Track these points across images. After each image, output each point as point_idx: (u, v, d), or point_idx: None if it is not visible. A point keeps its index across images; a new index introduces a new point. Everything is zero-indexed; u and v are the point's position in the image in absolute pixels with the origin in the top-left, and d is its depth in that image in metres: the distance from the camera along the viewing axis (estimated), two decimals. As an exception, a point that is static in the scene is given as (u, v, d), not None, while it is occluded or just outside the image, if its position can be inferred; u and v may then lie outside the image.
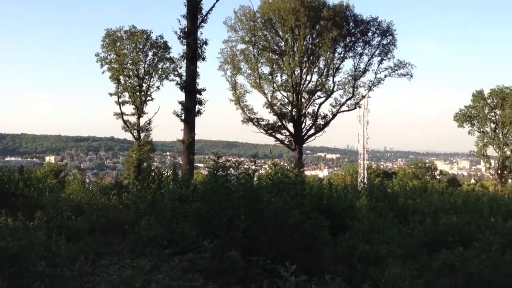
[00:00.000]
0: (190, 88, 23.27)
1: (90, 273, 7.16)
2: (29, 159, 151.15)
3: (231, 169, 8.37)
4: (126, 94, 45.46)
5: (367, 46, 43.46)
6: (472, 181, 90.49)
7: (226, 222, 7.40)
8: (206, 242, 7.00)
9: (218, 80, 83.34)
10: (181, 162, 25.31)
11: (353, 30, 43.25)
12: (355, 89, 43.86)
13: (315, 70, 43.63)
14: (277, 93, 43.97)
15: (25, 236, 7.40)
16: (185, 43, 23.18)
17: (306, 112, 43.63)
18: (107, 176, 58.15)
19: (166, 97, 48.84)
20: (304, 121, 43.56)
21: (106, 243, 9.04)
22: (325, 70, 43.62)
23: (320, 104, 44.01)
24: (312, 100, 43.89)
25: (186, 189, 11.15)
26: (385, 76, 43.51)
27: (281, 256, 6.50)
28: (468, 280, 6.91)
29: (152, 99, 46.08)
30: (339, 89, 44.08)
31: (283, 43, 43.15)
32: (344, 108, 44.35)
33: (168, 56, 45.91)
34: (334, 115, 44.04)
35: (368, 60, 43.59)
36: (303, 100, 43.33)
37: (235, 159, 9.45)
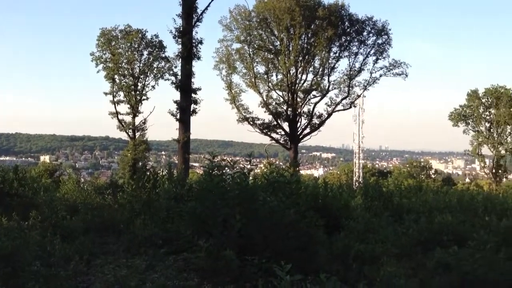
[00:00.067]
0: (185, 87, 23.23)
1: (85, 272, 7.14)
2: (23, 158, 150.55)
3: (226, 168, 8.37)
4: (121, 93, 45.41)
5: (362, 45, 43.55)
6: (467, 180, 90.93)
7: (221, 222, 7.40)
8: (201, 241, 7.00)
9: (213, 80, 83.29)
10: (176, 162, 25.28)
11: (348, 30, 43.28)
12: (350, 88, 43.94)
13: (310, 69, 43.69)
14: (272, 92, 44.01)
15: (20, 235, 7.37)
16: (180, 42, 23.14)
17: (302, 112, 43.66)
18: (102, 175, 58.07)
19: (161, 97, 48.86)
20: (300, 120, 43.61)
21: (101, 243, 9.02)
22: (320, 70, 43.67)
23: (316, 104, 44.09)
24: (307, 100, 43.95)
25: (181, 189, 11.15)
26: (380, 76, 43.63)
27: (276, 255, 6.50)
28: (463, 279, 6.93)
29: (147, 98, 46.07)
30: (335, 89, 44.15)
31: (278, 43, 43.16)
32: (340, 107, 44.44)
33: (163, 55, 45.88)
34: (329, 115, 44.10)
35: (363, 60, 43.70)
36: (298, 99, 43.34)
37: (230, 159, 9.46)
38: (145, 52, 46.26)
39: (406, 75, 43.37)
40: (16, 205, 10.64)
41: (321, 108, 44.97)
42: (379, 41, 43.28)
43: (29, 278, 6.13)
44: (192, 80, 23.71)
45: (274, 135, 44.07)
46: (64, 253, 7.49)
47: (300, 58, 42.68)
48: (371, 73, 43.65)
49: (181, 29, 23.03)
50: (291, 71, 42.69)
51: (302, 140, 44.86)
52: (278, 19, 41.21)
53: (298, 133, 43.52)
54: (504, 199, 16.91)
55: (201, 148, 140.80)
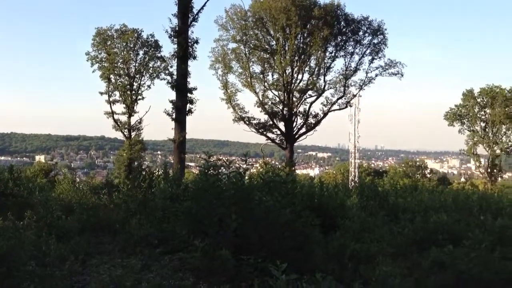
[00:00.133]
0: (181, 87, 23.19)
1: (80, 272, 7.13)
2: (19, 158, 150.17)
3: (222, 168, 8.36)
4: (117, 93, 45.38)
5: (358, 45, 43.69)
6: (462, 179, 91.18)
7: (217, 221, 7.39)
8: (197, 241, 7.00)
9: (209, 79, 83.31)
10: (172, 161, 25.21)
11: (344, 29, 43.36)
12: (346, 88, 44.07)
13: (306, 69, 43.77)
14: (268, 92, 44.07)
15: (15, 235, 7.35)
16: (176, 42, 23.08)
17: (297, 111, 43.71)
18: (97, 175, 57.87)
19: (157, 96, 48.79)
20: (295, 120, 43.63)
21: (97, 243, 9.01)
22: (316, 69, 43.76)
23: (311, 103, 44.17)
24: (303, 99, 44.01)
25: (177, 188, 11.14)
26: (376, 75, 43.80)
27: (272, 254, 6.50)
28: (458, 278, 6.95)
29: (143, 98, 46.07)
30: (330, 88, 44.28)
31: (274, 42, 43.20)
32: (335, 107, 44.57)
33: (159, 55, 45.92)
34: (325, 114, 44.19)
35: (359, 59, 43.84)
36: (294, 99, 43.38)
37: (226, 158, 9.44)
38: (141, 52, 46.32)
39: (402, 75, 43.61)
40: (11, 205, 10.62)
41: (317, 108, 45.02)
42: (375, 41, 43.46)
43: (24, 278, 6.11)
44: (188, 79, 23.68)
45: (270, 134, 44.17)
46: (59, 253, 7.47)
47: (296, 58, 42.74)
48: (366, 72, 43.86)
49: (177, 28, 22.98)
50: (287, 71, 42.75)
51: (298, 140, 44.95)
52: (274, 19, 41.23)
53: (294, 133, 43.56)
54: (499, 198, 16.96)
55: (197, 148, 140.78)
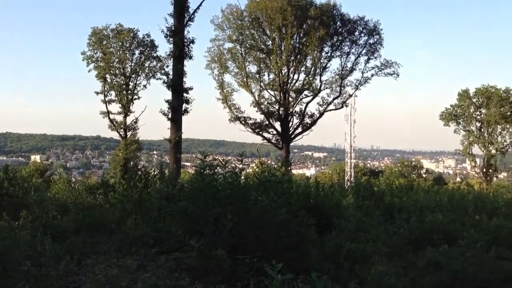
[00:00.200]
0: (177, 86, 23.18)
1: (75, 272, 7.11)
2: (14, 158, 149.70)
3: (218, 168, 8.36)
4: (113, 92, 45.28)
5: (354, 45, 43.70)
6: (458, 179, 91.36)
7: (213, 221, 7.40)
8: (192, 241, 6.99)
9: (205, 79, 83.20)
10: (168, 161, 25.20)
11: (340, 29, 43.40)
12: (342, 88, 44.11)
13: (302, 69, 43.77)
14: (264, 92, 44.06)
15: (10, 235, 7.32)
16: (172, 41, 23.08)
17: (293, 111, 43.74)
18: (93, 175, 57.91)
19: (153, 96, 48.75)
20: (291, 120, 43.67)
21: (92, 243, 9.00)
22: (312, 69, 43.76)
23: (307, 103, 44.20)
24: (299, 99, 44.04)
25: (173, 188, 11.12)
26: (372, 75, 43.85)
27: (267, 254, 6.51)
28: (453, 277, 6.98)
29: (138, 97, 45.99)
30: (326, 88, 44.30)
31: (270, 42, 43.16)
32: (331, 107, 44.59)
33: (155, 54, 45.85)
34: (321, 114, 44.23)
35: (355, 59, 43.87)
36: (290, 99, 43.41)
37: (222, 158, 9.44)
38: (137, 52, 46.23)
39: (398, 75, 43.68)
40: (7, 205, 10.57)
41: (313, 108, 45.05)
42: (371, 41, 43.53)
43: (19, 278, 6.09)
44: (184, 79, 23.68)
45: (266, 134, 44.20)
46: (55, 253, 7.46)
47: (292, 58, 42.76)
48: (362, 72, 43.91)
49: (173, 28, 22.97)
50: (283, 71, 42.75)
51: (294, 140, 44.95)
52: (270, 19, 41.21)
53: (290, 133, 43.58)
54: (494, 198, 17.02)
55: (193, 148, 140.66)
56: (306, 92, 44.00)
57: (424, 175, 74.71)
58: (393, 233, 9.86)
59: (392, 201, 14.28)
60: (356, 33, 43.48)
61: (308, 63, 43.96)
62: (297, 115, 43.98)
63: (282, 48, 42.24)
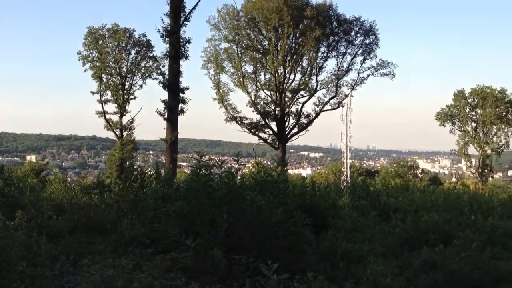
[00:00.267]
0: (173, 86, 23.11)
1: (71, 272, 7.09)
2: (10, 158, 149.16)
3: (214, 168, 8.36)
4: (109, 92, 45.30)
5: (350, 45, 43.82)
6: (454, 179, 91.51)
7: (209, 221, 7.40)
8: (188, 241, 6.99)
9: (201, 79, 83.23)
10: (164, 161, 25.14)
11: (336, 30, 43.48)
12: (338, 88, 44.20)
13: (298, 69, 43.87)
14: (260, 92, 44.12)
15: (5, 235, 7.29)
16: (168, 41, 23.02)
17: (290, 111, 43.80)
18: (89, 175, 57.74)
19: (149, 96, 48.71)
20: (288, 120, 43.72)
21: (88, 243, 8.97)
22: (308, 69, 43.84)
23: (304, 103, 44.28)
24: (295, 99, 44.14)
25: (169, 188, 11.12)
26: (368, 76, 44.00)
27: (263, 254, 6.51)
28: (449, 277, 6.99)
29: (134, 97, 46.03)
30: (322, 88, 44.40)
31: (266, 42, 43.24)
32: (327, 107, 44.69)
33: (151, 54, 45.90)
34: (317, 114, 44.29)
35: (351, 60, 43.99)
36: (286, 99, 43.46)
37: (218, 158, 9.45)
38: (133, 51, 46.30)
39: (394, 75, 43.79)
40: (2, 205, 10.52)
41: (309, 108, 45.10)
42: (367, 41, 43.64)
43: (14, 278, 6.07)
44: (180, 79, 23.61)
45: (262, 134, 44.23)
46: (50, 253, 7.43)
47: (288, 58, 42.80)
48: (358, 73, 44.03)
49: (169, 28, 22.91)
50: (279, 71, 42.80)
51: (290, 140, 45.02)
52: (266, 19, 41.24)
53: (286, 133, 43.63)
54: (490, 198, 17.09)
55: (189, 148, 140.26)
56: (302, 92, 44.13)
57: (420, 175, 74.68)
58: (388, 233, 9.88)
59: (388, 201, 14.31)
60: (352, 33, 43.64)
61: (304, 63, 44.13)
62: (293, 115, 44.11)
63: (278, 48, 42.30)
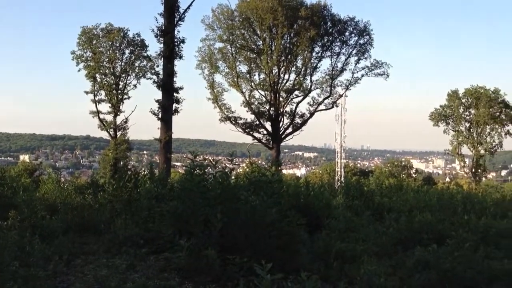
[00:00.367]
0: (167, 86, 23.07)
1: (64, 272, 7.07)
2: (3, 158, 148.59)
3: (208, 167, 8.36)
4: (103, 92, 45.20)
5: (344, 45, 43.94)
6: (447, 179, 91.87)
7: (203, 221, 7.39)
8: (182, 241, 6.98)
9: (195, 79, 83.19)
10: (158, 161, 25.09)
11: (330, 30, 43.57)
12: (332, 88, 44.29)
13: (292, 69, 43.93)
14: (255, 92, 44.16)
15: (-2, 236, 7.28)
16: (162, 41, 22.97)
17: (284, 111, 43.83)
18: (82, 175, 57.55)
19: (143, 96, 48.64)
20: (282, 120, 43.75)
21: (81, 243, 8.94)
22: (302, 69, 43.92)
23: (298, 103, 44.34)
24: (289, 99, 44.17)
25: (163, 188, 11.09)
26: (362, 76, 44.12)
27: (257, 254, 6.50)
28: (442, 276, 7.01)
29: (128, 97, 45.96)
30: (317, 88, 44.51)
31: (261, 42, 43.27)
32: (322, 107, 44.79)
33: (145, 54, 45.79)
34: (311, 114, 44.36)
35: (345, 60, 44.11)
36: (280, 99, 43.50)
37: (212, 158, 9.45)
38: (127, 51, 46.21)
39: (388, 75, 43.97)
40: (-5, 205, 10.49)
41: (303, 108, 45.18)
42: (361, 42, 43.76)
43: (7, 279, 6.04)
44: (174, 79, 23.58)
45: (256, 134, 44.26)
46: (44, 253, 7.41)
47: (283, 58, 42.85)
48: (353, 73, 44.16)
49: (163, 28, 22.86)
50: (273, 71, 42.84)
51: (285, 140, 45.09)
52: (261, 19, 41.26)
53: (281, 133, 43.65)
54: (483, 198, 17.15)
55: (183, 148, 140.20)
56: (296, 92, 44.21)
57: (413, 175, 74.85)
58: (382, 232, 9.90)
59: (381, 201, 14.35)
60: (347, 33, 43.75)
61: (299, 63, 44.20)
62: (287, 115, 44.13)
63: (273, 48, 42.34)
